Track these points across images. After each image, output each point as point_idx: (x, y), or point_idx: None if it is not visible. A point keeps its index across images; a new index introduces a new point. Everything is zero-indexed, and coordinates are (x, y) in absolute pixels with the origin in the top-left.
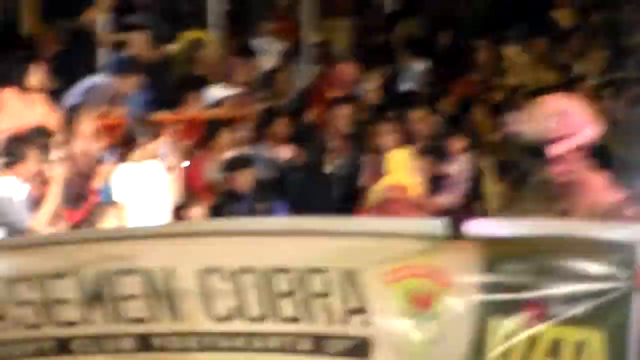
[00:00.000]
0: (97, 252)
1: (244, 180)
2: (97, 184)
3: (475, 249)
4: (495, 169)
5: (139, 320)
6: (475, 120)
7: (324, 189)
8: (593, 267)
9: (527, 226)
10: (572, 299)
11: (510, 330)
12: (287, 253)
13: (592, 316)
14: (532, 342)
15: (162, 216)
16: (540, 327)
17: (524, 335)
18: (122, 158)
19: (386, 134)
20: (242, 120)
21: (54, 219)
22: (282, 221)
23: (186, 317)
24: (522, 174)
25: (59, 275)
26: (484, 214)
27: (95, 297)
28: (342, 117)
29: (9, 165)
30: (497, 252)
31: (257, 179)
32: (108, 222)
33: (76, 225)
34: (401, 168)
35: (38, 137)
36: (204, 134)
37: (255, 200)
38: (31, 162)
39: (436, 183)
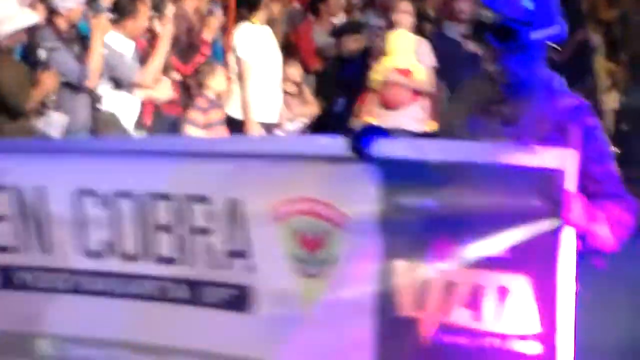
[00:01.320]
0: None
1: (354, 45)
2: (207, 35)
3: (378, 176)
4: (608, 47)
5: (3, 249)
6: None
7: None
8: (513, 200)
9: (440, 149)
10: (489, 238)
11: (418, 275)
12: (167, 177)
13: (514, 257)
14: (446, 288)
15: (275, 79)
16: (454, 270)
17: (435, 280)
18: (243, 19)
19: (402, 11)
20: None
21: (161, 74)
22: (161, 141)
23: (56, 249)
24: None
25: None
26: (594, 90)
27: None
28: None
29: (119, 21)
30: (403, 181)
31: (366, 46)
32: (216, 81)
33: (186, 78)
34: (405, 50)
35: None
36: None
37: (364, 65)
38: (141, 18)
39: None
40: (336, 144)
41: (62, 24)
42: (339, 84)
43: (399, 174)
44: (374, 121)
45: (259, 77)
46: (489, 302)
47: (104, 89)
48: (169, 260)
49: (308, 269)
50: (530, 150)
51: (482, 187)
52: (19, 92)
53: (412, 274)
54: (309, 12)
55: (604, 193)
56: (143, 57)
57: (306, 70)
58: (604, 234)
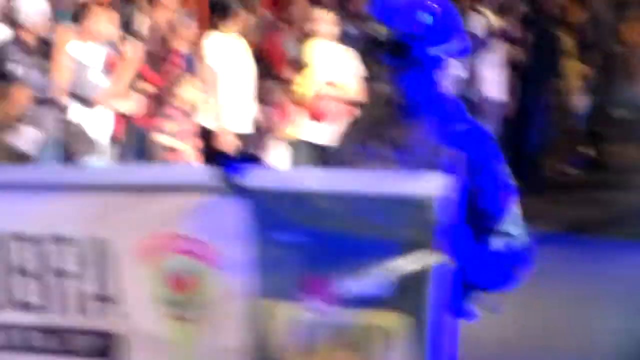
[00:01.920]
0: None
1: None
2: (179, 46)
3: (251, 209)
4: (579, 49)
5: None
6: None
7: None
8: (389, 231)
9: (315, 179)
10: (366, 273)
11: (293, 317)
12: (27, 214)
13: (390, 295)
14: (320, 329)
15: (247, 88)
16: (328, 312)
17: (310, 321)
18: (215, 28)
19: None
20: None
21: (123, 95)
22: (21, 172)
23: None
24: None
25: None
26: (566, 92)
27: None
28: None
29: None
30: (277, 214)
31: None
32: (187, 91)
33: (158, 89)
34: (329, 61)
35: (123, 5)
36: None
37: None
38: (100, 21)
39: None
40: (206, 174)
41: (28, 37)
42: None
43: (273, 207)
44: (302, 136)
45: (230, 87)
46: (367, 342)
47: (73, 102)
48: (33, 307)
49: (180, 312)
50: (410, 178)
51: (359, 218)
52: None
53: (289, 313)
54: (281, 21)
55: (491, 228)
56: (110, 72)
57: (277, 78)
58: (483, 269)
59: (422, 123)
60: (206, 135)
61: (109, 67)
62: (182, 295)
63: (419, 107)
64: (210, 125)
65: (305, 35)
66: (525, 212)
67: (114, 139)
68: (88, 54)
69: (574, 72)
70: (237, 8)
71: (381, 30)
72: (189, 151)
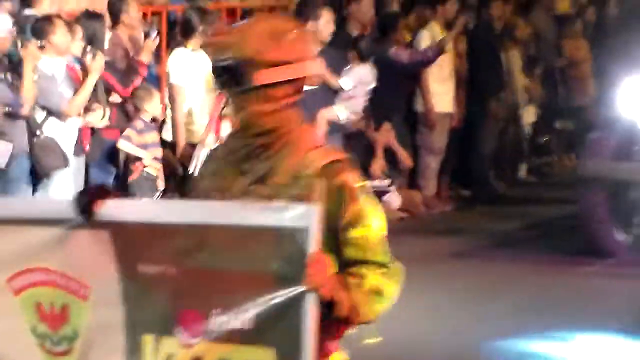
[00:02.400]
0: None
1: None
2: (144, 57)
3: (114, 240)
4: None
5: None
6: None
7: None
8: (254, 264)
9: (180, 210)
10: (236, 306)
11: (169, 352)
12: None
13: (259, 329)
14: None
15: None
16: (201, 346)
17: (185, 356)
18: (180, 44)
19: None
20: (279, 9)
21: (94, 101)
22: None
23: None
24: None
25: None
26: (511, 105)
27: None
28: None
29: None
30: (141, 245)
31: None
32: (151, 105)
33: (125, 101)
34: None
35: (87, 20)
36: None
37: None
38: (61, 34)
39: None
40: (73, 207)
41: None
42: None
43: (135, 238)
44: None
45: (192, 101)
46: None
47: (41, 115)
48: None
49: (52, 347)
50: (277, 209)
51: (226, 250)
52: None
53: (167, 349)
54: None
55: (362, 259)
56: (75, 85)
57: None
58: (353, 303)
59: (280, 152)
60: (169, 146)
61: (75, 80)
62: (53, 328)
63: (271, 136)
64: (172, 137)
65: None
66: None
67: (79, 150)
68: (54, 68)
69: (519, 85)
70: (199, 25)
71: (224, 56)
72: (153, 162)
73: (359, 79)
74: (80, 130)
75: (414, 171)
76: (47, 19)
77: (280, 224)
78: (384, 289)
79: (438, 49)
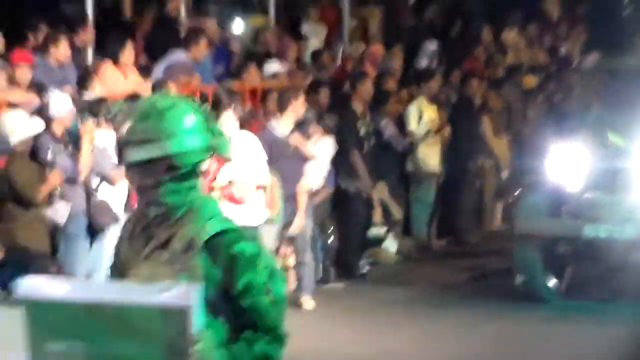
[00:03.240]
0: None
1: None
2: None
3: (25, 318)
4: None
5: None
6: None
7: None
8: (149, 341)
9: (82, 288)
10: None
11: None
12: None
13: None
14: None
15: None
16: None
17: None
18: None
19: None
20: (293, 89)
21: None
22: None
23: None
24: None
25: None
26: (487, 166)
27: None
28: (367, 89)
29: (101, 121)
30: (51, 323)
31: None
32: None
33: None
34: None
35: (132, 101)
36: (263, 100)
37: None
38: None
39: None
40: None
41: (57, 128)
42: None
43: (46, 316)
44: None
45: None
46: None
47: (96, 181)
48: None
49: None
50: (165, 287)
51: (124, 328)
52: (31, 187)
53: None
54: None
55: (253, 325)
56: None
57: None
58: None
59: (181, 224)
60: None
61: None
62: None
63: (176, 210)
64: None
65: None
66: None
67: (129, 209)
68: (107, 141)
69: (494, 148)
70: (227, 102)
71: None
72: None
73: (324, 150)
74: (129, 191)
75: (408, 221)
76: (102, 100)
77: (163, 303)
78: (271, 354)
79: (405, 145)
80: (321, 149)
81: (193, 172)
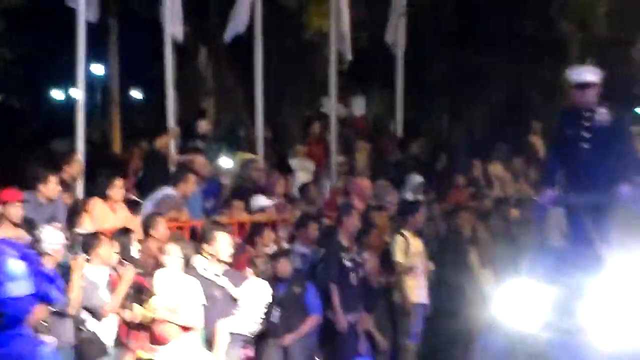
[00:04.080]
0: None
1: (284, 267)
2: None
3: None
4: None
5: None
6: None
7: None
8: None
9: None
10: None
11: None
12: None
13: None
14: None
15: None
16: None
17: None
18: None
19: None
20: (282, 223)
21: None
22: None
23: None
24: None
25: None
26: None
27: None
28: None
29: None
30: None
31: (294, 268)
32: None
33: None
34: (171, 289)
35: (121, 236)
36: (251, 234)
37: (293, 283)
38: (104, 249)
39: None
40: None
41: (49, 262)
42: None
43: None
44: (148, 356)
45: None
46: None
47: (86, 314)
48: None
49: None
50: None
51: None
52: None
53: None
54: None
55: None
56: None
57: None
58: None
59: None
60: None
61: (112, 286)
62: None
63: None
64: None
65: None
66: None
67: (119, 343)
68: (97, 276)
69: (480, 278)
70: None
71: None
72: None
73: (256, 293)
74: (119, 325)
75: (395, 353)
76: (95, 235)
77: None
78: None
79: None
80: (252, 291)
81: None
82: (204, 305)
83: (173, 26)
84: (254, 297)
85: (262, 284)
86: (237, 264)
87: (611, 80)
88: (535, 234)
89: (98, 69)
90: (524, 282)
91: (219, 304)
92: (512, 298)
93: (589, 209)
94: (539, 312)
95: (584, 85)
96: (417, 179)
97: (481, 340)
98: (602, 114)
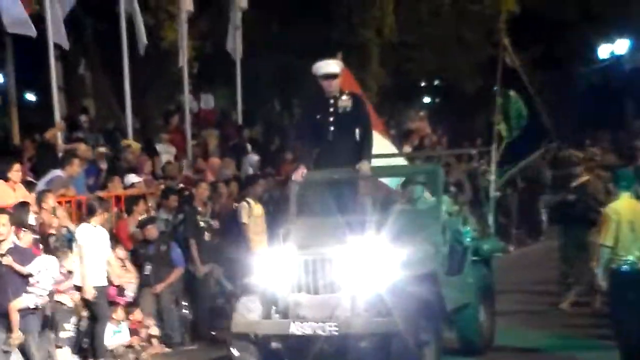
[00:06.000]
0: None
1: (152, 232)
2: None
3: None
4: None
5: None
6: None
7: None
8: None
9: None
10: None
11: None
12: None
13: None
14: None
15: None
16: None
17: None
18: (85, 221)
19: None
20: (149, 195)
21: None
22: None
23: None
24: None
25: None
26: None
27: None
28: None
29: None
30: None
31: (159, 231)
32: (67, 261)
33: None
34: None
35: (20, 209)
36: (126, 205)
37: (159, 244)
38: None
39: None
40: None
41: None
42: (146, 257)
43: None
44: None
45: (93, 258)
46: None
47: None
48: None
49: None
50: None
51: None
52: None
53: None
54: (125, 212)
55: None
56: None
57: (126, 248)
58: None
59: None
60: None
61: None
62: None
63: None
64: (79, 282)
65: None
66: None
67: None
68: None
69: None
70: (99, 208)
71: None
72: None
73: (45, 267)
74: None
75: None
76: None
77: None
78: None
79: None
80: (42, 267)
81: None
82: None
83: (57, 37)
84: (44, 270)
85: (52, 259)
86: (119, 231)
87: (401, 76)
88: (290, 208)
89: None
90: (279, 250)
91: (4, 281)
92: (268, 264)
93: (334, 184)
94: (291, 276)
95: (329, 76)
96: (255, 157)
97: (241, 300)
98: (344, 101)
